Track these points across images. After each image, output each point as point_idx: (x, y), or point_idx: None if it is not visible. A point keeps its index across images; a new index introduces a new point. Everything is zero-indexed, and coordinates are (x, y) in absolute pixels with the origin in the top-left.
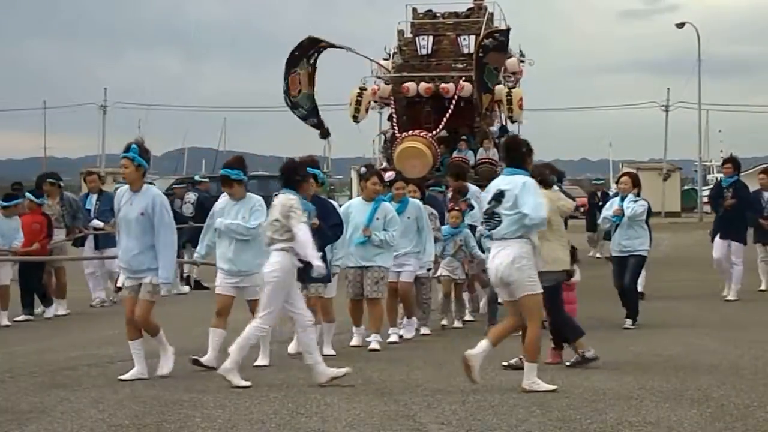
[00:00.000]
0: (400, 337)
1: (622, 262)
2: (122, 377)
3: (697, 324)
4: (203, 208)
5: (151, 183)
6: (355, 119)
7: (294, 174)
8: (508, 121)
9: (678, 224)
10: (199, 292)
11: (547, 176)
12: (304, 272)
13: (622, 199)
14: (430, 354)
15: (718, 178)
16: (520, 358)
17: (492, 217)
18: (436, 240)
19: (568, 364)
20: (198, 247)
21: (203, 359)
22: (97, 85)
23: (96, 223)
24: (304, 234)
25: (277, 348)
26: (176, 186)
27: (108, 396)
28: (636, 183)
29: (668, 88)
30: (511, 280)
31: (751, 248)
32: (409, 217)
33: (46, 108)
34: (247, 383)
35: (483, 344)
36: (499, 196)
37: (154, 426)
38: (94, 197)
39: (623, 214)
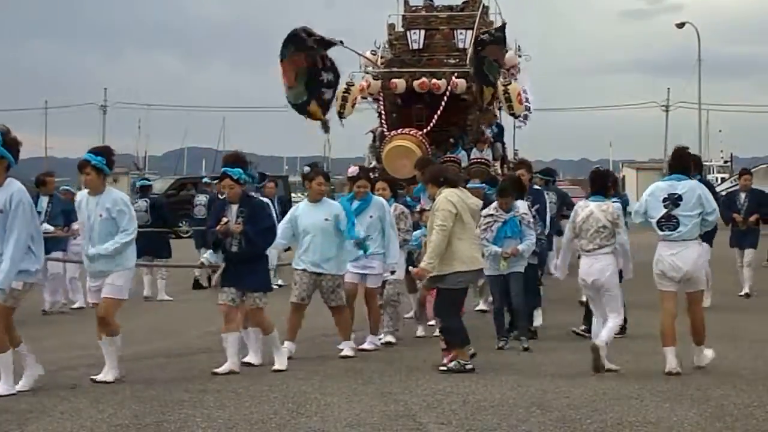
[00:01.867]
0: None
1: None
2: None
3: None
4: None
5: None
6: (341, 116)
7: (606, 180)
8: (511, 117)
9: None
10: (197, 291)
11: (451, 176)
12: (242, 279)
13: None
14: (430, 354)
15: (719, 179)
16: (458, 361)
17: (669, 220)
18: (405, 242)
19: (443, 369)
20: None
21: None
22: (97, 85)
23: (46, 227)
24: (626, 239)
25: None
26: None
27: (108, 396)
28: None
29: (668, 88)
30: (695, 276)
31: (722, 251)
32: (371, 216)
33: (47, 108)
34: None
35: (670, 352)
36: (677, 200)
37: (154, 426)
38: (45, 200)
39: None
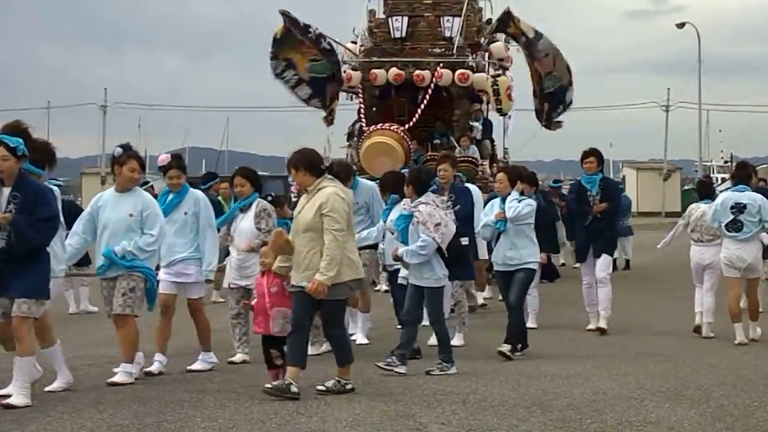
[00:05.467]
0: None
1: (506, 278)
2: None
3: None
4: None
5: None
6: (328, 112)
7: (712, 187)
8: (497, 113)
9: None
10: None
11: (338, 168)
12: (10, 283)
13: (503, 200)
14: (430, 354)
15: (719, 179)
16: (338, 380)
17: (735, 224)
18: (266, 245)
19: (321, 388)
20: None
21: None
22: (98, 85)
23: None
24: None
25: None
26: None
27: (108, 396)
28: (517, 179)
29: (668, 88)
30: (754, 266)
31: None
32: (185, 213)
33: (49, 108)
34: None
35: (739, 327)
36: (742, 208)
37: (154, 426)
38: None
39: (506, 219)
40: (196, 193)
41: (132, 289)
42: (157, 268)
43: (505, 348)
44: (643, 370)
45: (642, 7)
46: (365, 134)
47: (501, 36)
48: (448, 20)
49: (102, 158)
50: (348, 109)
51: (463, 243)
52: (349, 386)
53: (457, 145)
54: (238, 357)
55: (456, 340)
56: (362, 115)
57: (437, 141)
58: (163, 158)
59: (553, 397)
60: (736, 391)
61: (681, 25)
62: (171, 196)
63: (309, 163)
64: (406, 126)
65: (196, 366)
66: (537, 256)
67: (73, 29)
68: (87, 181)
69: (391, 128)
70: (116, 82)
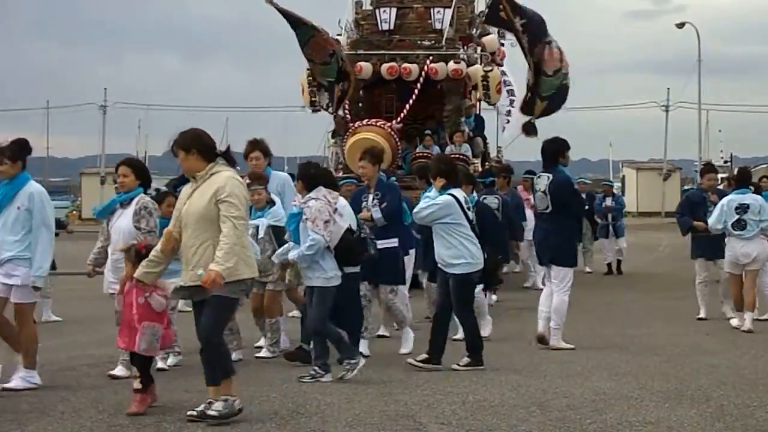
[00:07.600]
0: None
1: (443, 277)
2: None
3: (697, 324)
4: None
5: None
6: (313, 105)
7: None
8: (485, 104)
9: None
10: None
11: (231, 154)
12: None
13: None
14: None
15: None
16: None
17: (739, 223)
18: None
19: (192, 415)
20: None
21: None
22: (97, 85)
23: None
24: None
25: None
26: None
27: (108, 396)
28: (439, 174)
29: (668, 88)
30: (757, 259)
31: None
32: (19, 207)
33: (48, 108)
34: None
35: (748, 316)
36: (746, 208)
37: (154, 426)
38: None
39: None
40: (34, 188)
41: None
42: None
43: (464, 361)
44: (643, 370)
45: (643, 7)
46: (350, 130)
47: (494, 29)
48: (438, 12)
49: (102, 158)
50: None
51: (392, 245)
52: (237, 403)
53: (449, 142)
54: (119, 370)
55: (362, 347)
56: (347, 111)
57: (427, 132)
58: None
59: (553, 397)
60: (736, 391)
61: (681, 25)
62: (3, 190)
63: (203, 145)
64: (394, 122)
65: (12, 384)
66: (463, 259)
67: (73, 29)
68: (86, 182)
69: (378, 124)
70: (116, 82)
